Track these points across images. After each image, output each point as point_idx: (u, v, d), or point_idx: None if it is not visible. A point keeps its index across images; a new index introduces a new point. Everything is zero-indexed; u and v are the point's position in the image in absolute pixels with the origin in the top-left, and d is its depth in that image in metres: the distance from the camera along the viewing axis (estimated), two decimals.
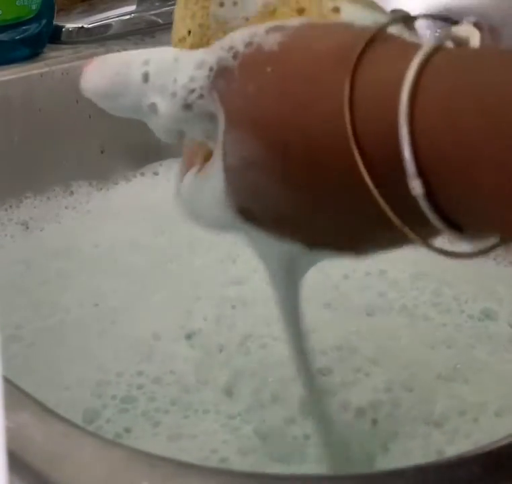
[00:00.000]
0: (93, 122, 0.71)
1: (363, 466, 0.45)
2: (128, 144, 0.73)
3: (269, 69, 0.29)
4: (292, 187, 0.30)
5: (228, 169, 0.32)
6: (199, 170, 0.35)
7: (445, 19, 0.31)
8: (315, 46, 0.29)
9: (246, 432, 0.47)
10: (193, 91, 0.31)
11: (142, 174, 0.73)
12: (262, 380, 0.51)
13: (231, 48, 0.31)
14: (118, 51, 0.70)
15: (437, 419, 0.48)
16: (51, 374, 0.52)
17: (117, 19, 0.76)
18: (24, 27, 0.69)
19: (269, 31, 0.30)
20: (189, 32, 0.34)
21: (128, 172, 0.73)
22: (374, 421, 0.48)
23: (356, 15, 0.32)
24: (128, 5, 0.77)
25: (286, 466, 0.45)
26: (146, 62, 0.33)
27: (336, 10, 0.32)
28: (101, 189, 0.71)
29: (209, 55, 0.31)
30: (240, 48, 0.30)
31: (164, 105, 0.32)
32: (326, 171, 0.29)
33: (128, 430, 0.48)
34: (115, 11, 0.77)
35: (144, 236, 0.66)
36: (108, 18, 0.76)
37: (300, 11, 0.32)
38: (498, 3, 0.89)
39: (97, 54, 0.71)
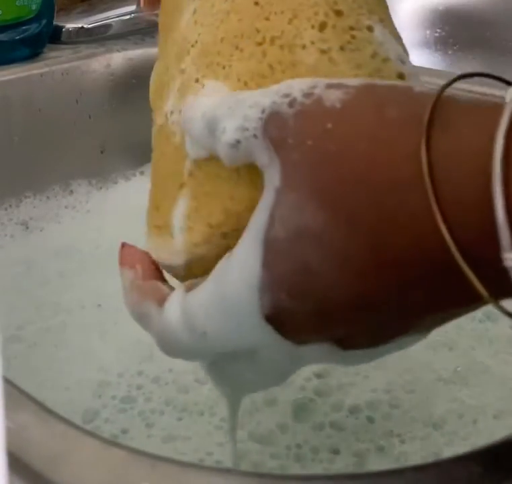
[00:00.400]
0: (92, 122, 0.71)
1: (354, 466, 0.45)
2: (128, 143, 0.73)
3: (329, 125, 0.27)
4: (356, 264, 0.27)
5: (271, 243, 0.28)
6: (189, 288, 0.31)
7: (498, 78, 0.30)
8: (380, 108, 0.27)
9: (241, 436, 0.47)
10: (246, 129, 0.29)
11: (142, 173, 0.73)
12: None
13: (287, 95, 0.29)
14: (118, 51, 0.72)
15: (436, 421, 0.48)
16: (52, 374, 0.52)
17: (117, 19, 0.76)
18: (24, 27, 0.69)
19: (329, 86, 0.29)
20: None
21: (128, 171, 0.73)
22: (370, 419, 0.48)
23: (384, 41, 0.33)
24: (128, 5, 0.77)
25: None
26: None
27: (370, 29, 0.33)
28: (100, 188, 0.71)
29: (263, 97, 0.29)
30: (298, 96, 0.29)
31: (217, 144, 0.30)
32: (398, 244, 0.26)
33: (124, 431, 0.48)
34: (115, 11, 0.77)
35: (144, 236, 0.66)
36: (108, 18, 0.76)
37: (338, 13, 0.32)
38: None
39: (97, 54, 0.72)
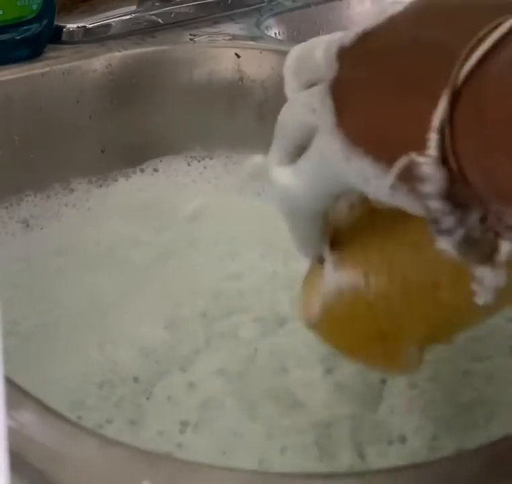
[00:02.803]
0: (93, 122, 0.71)
1: None
2: (128, 141, 0.73)
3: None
4: None
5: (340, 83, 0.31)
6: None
7: None
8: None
9: None
10: None
11: (142, 170, 0.73)
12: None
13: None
14: (118, 51, 0.72)
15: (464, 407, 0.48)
16: (45, 368, 0.52)
17: (117, 19, 0.76)
18: (25, 27, 0.69)
19: None
20: None
21: (128, 169, 0.73)
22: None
23: None
24: (128, 5, 0.78)
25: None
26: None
27: None
28: (100, 186, 0.71)
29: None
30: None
31: None
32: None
33: (109, 421, 0.48)
34: (115, 11, 0.77)
35: (144, 233, 0.66)
36: (109, 18, 0.76)
37: None
38: None
39: (97, 54, 0.72)
